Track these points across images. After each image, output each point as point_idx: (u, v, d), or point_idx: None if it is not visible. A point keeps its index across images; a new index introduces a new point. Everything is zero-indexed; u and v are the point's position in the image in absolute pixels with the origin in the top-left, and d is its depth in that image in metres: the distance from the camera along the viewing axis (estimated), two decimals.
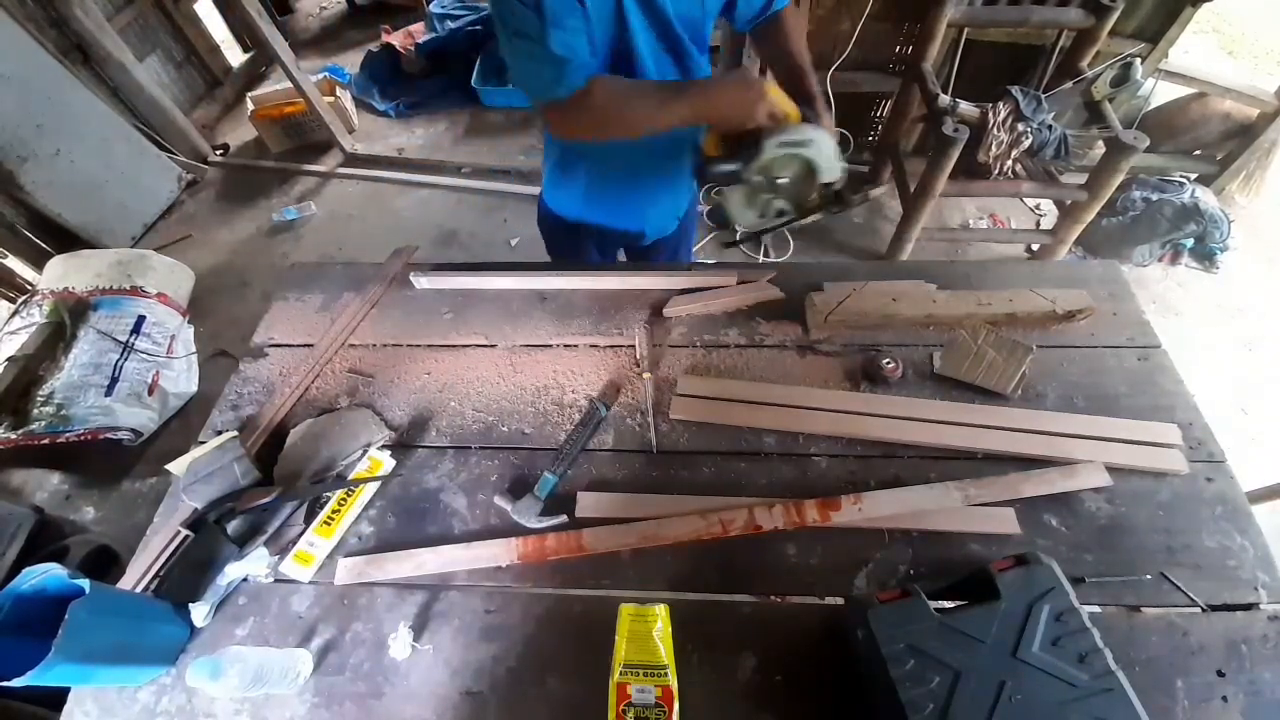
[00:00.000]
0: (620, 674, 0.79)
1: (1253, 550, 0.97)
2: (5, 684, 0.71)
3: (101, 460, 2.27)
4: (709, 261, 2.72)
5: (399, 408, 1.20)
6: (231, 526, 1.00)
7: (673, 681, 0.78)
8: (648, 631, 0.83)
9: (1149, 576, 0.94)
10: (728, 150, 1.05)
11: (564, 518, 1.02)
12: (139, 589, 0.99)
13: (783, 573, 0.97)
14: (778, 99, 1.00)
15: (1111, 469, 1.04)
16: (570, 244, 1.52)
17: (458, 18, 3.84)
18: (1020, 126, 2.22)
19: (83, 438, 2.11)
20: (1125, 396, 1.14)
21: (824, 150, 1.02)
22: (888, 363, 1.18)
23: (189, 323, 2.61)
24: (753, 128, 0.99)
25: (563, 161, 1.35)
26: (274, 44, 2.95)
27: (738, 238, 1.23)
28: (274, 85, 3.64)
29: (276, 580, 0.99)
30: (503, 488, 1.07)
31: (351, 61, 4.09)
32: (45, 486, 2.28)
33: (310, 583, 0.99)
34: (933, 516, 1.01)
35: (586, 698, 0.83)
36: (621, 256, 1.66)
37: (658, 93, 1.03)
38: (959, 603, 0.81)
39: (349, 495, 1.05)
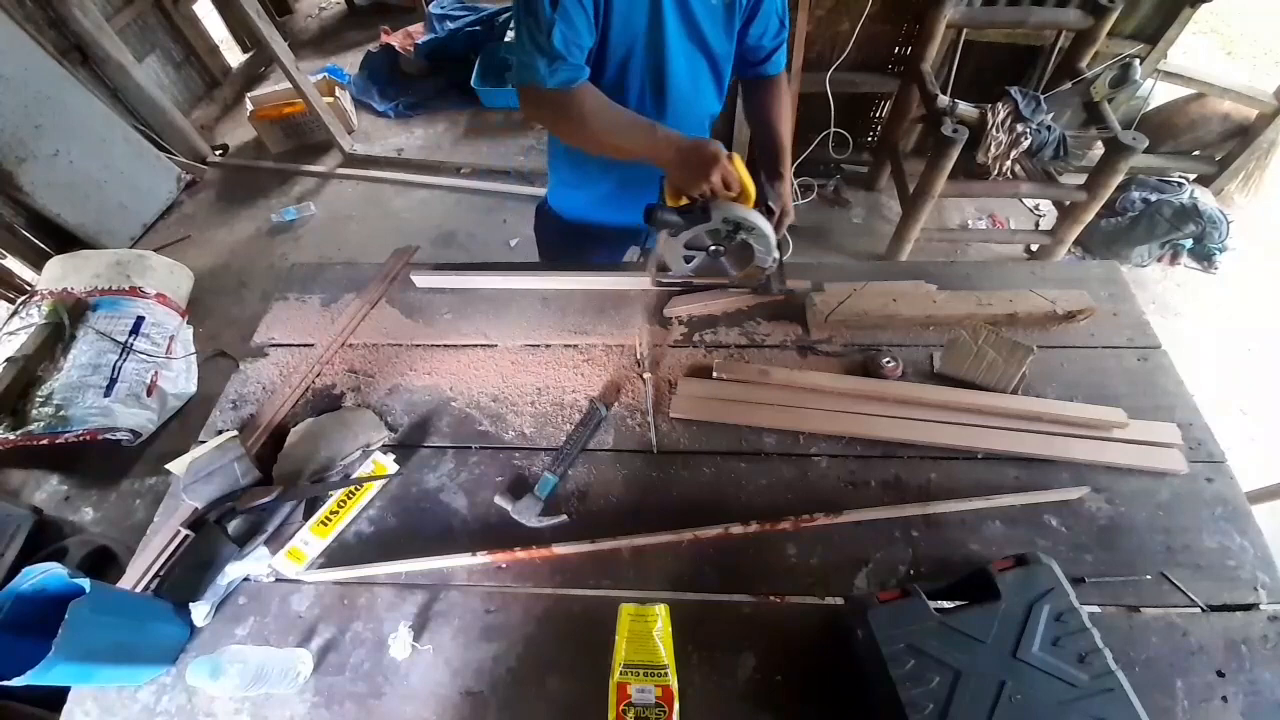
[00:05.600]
0: (620, 674, 0.79)
1: (1253, 550, 0.97)
2: (5, 684, 0.71)
3: (100, 461, 2.27)
4: None
5: (399, 408, 1.20)
6: (232, 526, 1.00)
7: (673, 681, 0.78)
8: (648, 631, 0.83)
9: (1149, 576, 0.94)
10: (685, 203, 1.09)
11: (564, 518, 1.02)
12: (139, 589, 0.99)
13: (783, 573, 0.97)
14: (737, 174, 1.03)
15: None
16: (576, 246, 1.51)
17: (457, 18, 3.84)
18: (1019, 127, 2.23)
19: (81, 438, 2.11)
20: (1125, 397, 1.14)
21: (764, 238, 1.11)
22: (888, 362, 1.18)
23: (188, 323, 2.61)
24: (699, 194, 1.04)
25: (582, 163, 1.33)
26: (273, 44, 2.95)
27: (663, 278, 1.34)
28: (273, 86, 3.64)
29: (277, 580, 0.99)
30: (503, 488, 1.07)
31: (351, 62, 4.09)
32: (44, 487, 2.27)
33: (311, 582, 0.99)
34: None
35: (586, 698, 0.83)
36: (630, 255, 1.67)
37: (628, 124, 1.05)
38: (959, 603, 0.81)
39: (350, 496, 1.05)
